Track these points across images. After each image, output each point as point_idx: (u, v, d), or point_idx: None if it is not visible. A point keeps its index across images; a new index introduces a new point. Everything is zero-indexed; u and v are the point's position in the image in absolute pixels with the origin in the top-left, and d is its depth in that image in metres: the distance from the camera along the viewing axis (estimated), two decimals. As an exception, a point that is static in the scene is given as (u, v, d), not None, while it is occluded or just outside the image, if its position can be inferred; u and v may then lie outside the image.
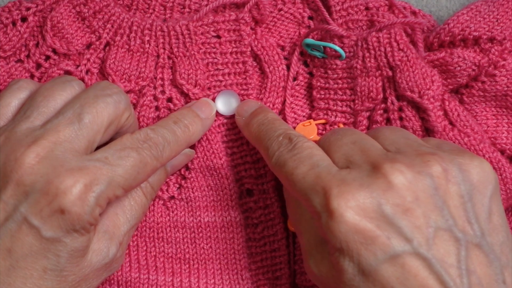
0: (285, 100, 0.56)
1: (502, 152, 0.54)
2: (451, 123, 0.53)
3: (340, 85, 0.55)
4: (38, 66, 0.54)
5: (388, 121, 0.54)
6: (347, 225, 0.41)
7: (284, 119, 0.56)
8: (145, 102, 0.54)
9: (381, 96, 0.54)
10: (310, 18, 0.57)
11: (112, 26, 0.54)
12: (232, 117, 0.55)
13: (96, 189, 0.44)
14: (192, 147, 0.54)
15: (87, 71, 0.54)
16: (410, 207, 0.41)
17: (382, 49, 0.53)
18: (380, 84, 0.54)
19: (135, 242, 0.54)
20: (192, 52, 0.54)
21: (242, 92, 0.55)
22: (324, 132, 0.56)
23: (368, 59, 0.53)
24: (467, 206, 0.42)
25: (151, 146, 0.47)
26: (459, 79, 0.53)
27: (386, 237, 0.40)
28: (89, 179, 0.44)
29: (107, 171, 0.44)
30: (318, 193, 0.42)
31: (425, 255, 0.40)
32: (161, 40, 0.54)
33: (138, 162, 0.46)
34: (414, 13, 0.57)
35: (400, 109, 0.54)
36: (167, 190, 0.54)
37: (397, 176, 0.42)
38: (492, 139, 0.54)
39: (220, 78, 0.55)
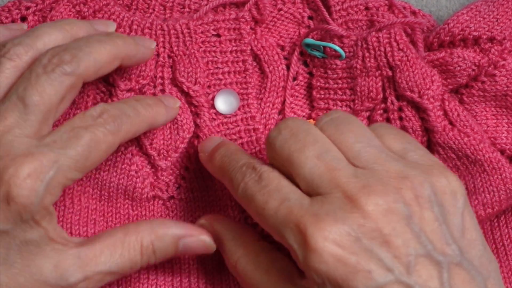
0: (285, 100, 0.56)
1: (502, 152, 0.54)
2: (451, 123, 0.53)
3: (340, 85, 0.55)
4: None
5: (388, 121, 0.54)
6: (327, 261, 0.40)
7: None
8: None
9: (381, 96, 0.54)
10: (310, 18, 0.57)
11: (112, 25, 0.54)
12: (231, 116, 0.55)
13: (43, 176, 0.42)
14: (192, 148, 0.54)
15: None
16: (388, 239, 0.41)
17: (382, 49, 0.53)
18: (380, 84, 0.54)
19: (135, 242, 0.54)
20: (192, 51, 0.54)
21: (242, 91, 0.55)
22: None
23: (368, 59, 0.53)
24: (442, 228, 0.42)
25: (106, 121, 0.45)
26: (459, 79, 0.53)
27: (368, 270, 0.40)
28: (35, 167, 0.42)
29: (55, 155, 0.43)
30: (292, 230, 0.41)
31: (408, 282, 0.40)
32: (161, 39, 0.54)
33: (89, 140, 0.44)
34: (414, 13, 0.57)
35: (400, 109, 0.54)
36: (166, 190, 0.54)
37: (372, 209, 0.41)
38: (492, 139, 0.54)
39: (220, 76, 0.55)
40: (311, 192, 0.43)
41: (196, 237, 0.50)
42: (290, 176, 0.44)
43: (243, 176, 0.45)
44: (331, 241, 0.40)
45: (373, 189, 0.42)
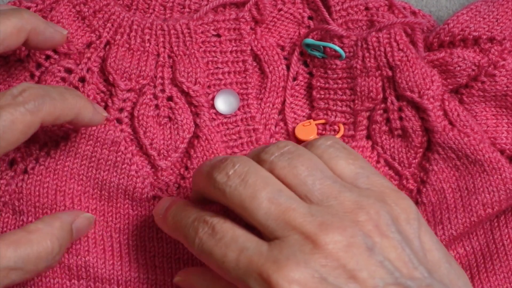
0: (284, 100, 0.56)
1: (502, 152, 0.54)
2: (451, 123, 0.53)
3: (340, 85, 0.55)
4: (38, 65, 0.54)
5: (388, 121, 0.54)
6: None
7: (284, 119, 0.56)
8: (144, 101, 0.54)
9: (381, 96, 0.54)
10: (310, 18, 0.57)
11: (112, 25, 0.54)
12: (231, 116, 0.55)
13: None
14: (192, 148, 0.54)
15: (88, 70, 0.54)
16: (353, 274, 0.40)
17: (382, 49, 0.53)
18: (380, 84, 0.54)
19: (135, 242, 0.54)
20: (192, 51, 0.54)
21: (242, 91, 0.55)
22: (324, 132, 0.55)
23: (368, 59, 0.53)
24: (406, 253, 0.42)
25: (25, 99, 0.44)
26: (459, 79, 0.54)
27: None
28: None
29: None
30: (256, 279, 0.40)
31: None
32: (161, 39, 0.54)
33: (3, 120, 0.42)
34: (414, 13, 0.57)
35: (400, 109, 0.54)
36: (166, 190, 0.54)
37: (332, 246, 0.40)
38: (492, 139, 0.54)
39: (220, 76, 0.55)
40: (269, 236, 0.42)
41: (82, 217, 0.51)
42: (244, 219, 0.44)
43: (196, 231, 0.44)
44: (297, 286, 0.39)
45: (330, 226, 0.41)
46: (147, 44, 0.54)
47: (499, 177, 0.53)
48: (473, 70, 0.53)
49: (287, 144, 0.45)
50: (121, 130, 0.54)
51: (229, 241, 0.42)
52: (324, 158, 0.45)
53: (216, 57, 0.55)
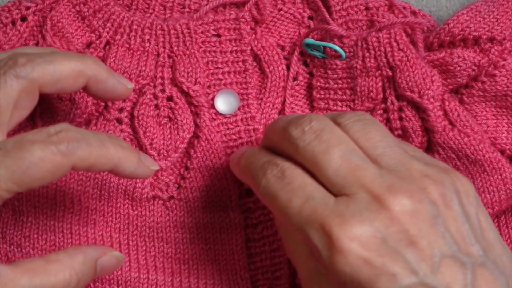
0: (285, 100, 0.56)
1: (502, 152, 0.54)
2: (451, 123, 0.53)
3: (340, 85, 0.55)
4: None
5: (388, 121, 0.54)
6: (352, 263, 0.39)
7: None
8: (144, 101, 0.54)
9: (381, 96, 0.54)
10: (310, 18, 0.57)
11: (112, 25, 0.54)
12: (231, 116, 0.55)
13: None
14: (192, 148, 0.54)
15: (87, 70, 0.54)
16: (414, 240, 0.40)
17: (382, 49, 0.53)
18: (380, 84, 0.54)
19: (135, 242, 0.54)
20: (192, 51, 0.54)
21: (242, 91, 0.55)
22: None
23: (368, 59, 0.53)
24: (465, 228, 0.42)
25: (60, 140, 0.43)
26: (459, 79, 0.53)
27: (392, 273, 0.39)
28: None
29: None
30: (317, 230, 0.41)
31: (431, 284, 0.39)
32: (161, 39, 0.54)
33: (31, 154, 0.42)
34: (414, 13, 0.57)
35: (400, 109, 0.54)
36: (166, 190, 0.54)
37: (399, 209, 0.41)
38: (492, 139, 0.54)
39: (220, 76, 0.55)
40: (336, 192, 0.42)
41: (110, 255, 0.49)
42: (313, 174, 0.44)
43: (264, 172, 0.44)
44: (357, 243, 0.39)
45: (399, 189, 0.41)
46: (147, 44, 0.54)
47: (499, 177, 0.53)
48: (473, 70, 0.53)
49: (363, 113, 0.46)
50: (121, 130, 0.54)
51: (296, 187, 0.42)
52: None
53: (216, 57, 0.55)
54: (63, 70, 0.45)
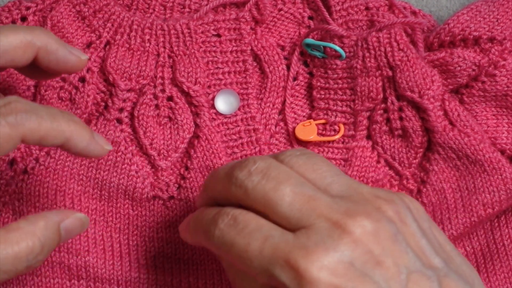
0: (285, 100, 0.56)
1: (502, 152, 0.54)
2: (451, 123, 0.53)
3: (340, 85, 0.55)
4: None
5: (388, 121, 0.54)
6: None
7: (284, 119, 0.56)
8: (145, 101, 0.54)
9: (381, 96, 0.54)
10: (310, 18, 0.57)
11: (112, 25, 0.54)
12: (231, 116, 0.55)
13: None
14: (192, 148, 0.54)
15: (88, 70, 0.54)
16: (379, 259, 0.40)
17: (382, 49, 0.53)
18: (380, 84, 0.54)
19: (135, 242, 0.54)
20: (192, 51, 0.54)
21: (242, 91, 0.55)
22: (324, 132, 0.55)
23: (368, 59, 0.53)
24: (424, 243, 0.42)
25: (8, 111, 0.41)
26: (459, 79, 0.53)
27: None
28: None
29: None
30: (283, 267, 0.40)
31: None
32: (162, 39, 0.54)
33: None
34: (414, 13, 0.57)
35: (400, 109, 0.54)
36: (166, 190, 0.54)
37: (361, 231, 0.40)
38: (492, 139, 0.54)
39: (220, 76, 0.55)
40: (293, 227, 0.42)
41: (73, 217, 0.46)
42: (266, 215, 0.43)
43: (215, 223, 0.43)
44: (326, 271, 0.39)
45: (356, 212, 0.41)
46: (147, 44, 0.54)
47: (500, 177, 0.53)
48: (474, 70, 0.53)
49: (302, 148, 0.46)
50: (121, 130, 0.54)
51: (252, 229, 0.42)
52: None
53: (216, 57, 0.55)
54: (11, 41, 0.44)
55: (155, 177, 0.54)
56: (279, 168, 0.43)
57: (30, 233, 0.44)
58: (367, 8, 0.56)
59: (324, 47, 0.55)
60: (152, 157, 0.54)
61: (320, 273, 0.39)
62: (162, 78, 0.54)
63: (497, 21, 0.53)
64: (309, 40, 0.55)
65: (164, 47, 0.54)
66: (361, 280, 0.39)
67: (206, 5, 0.56)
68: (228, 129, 0.55)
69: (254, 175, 0.43)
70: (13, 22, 0.54)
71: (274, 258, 0.40)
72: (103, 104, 0.54)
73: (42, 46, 0.46)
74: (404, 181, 0.54)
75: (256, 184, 0.43)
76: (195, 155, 0.54)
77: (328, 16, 0.55)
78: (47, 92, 0.53)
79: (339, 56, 0.55)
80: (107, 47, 0.54)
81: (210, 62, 0.55)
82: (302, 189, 0.42)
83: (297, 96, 0.57)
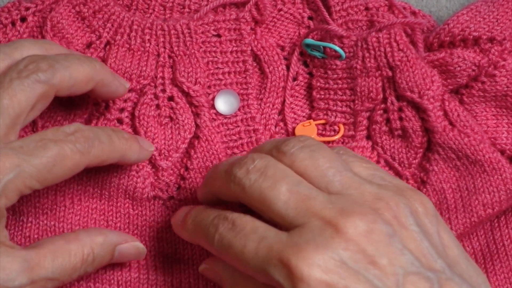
0: (284, 100, 0.56)
1: (502, 152, 0.54)
2: (451, 123, 0.53)
3: (340, 85, 0.55)
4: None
5: (388, 121, 0.54)
6: (315, 287, 0.39)
7: (284, 119, 0.56)
8: (145, 101, 0.54)
9: (381, 96, 0.54)
10: (310, 18, 0.57)
11: (112, 26, 0.54)
12: (231, 117, 0.55)
13: (2, 177, 0.42)
14: (192, 148, 0.54)
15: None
16: (373, 259, 0.40)
17: (382, 49, 0.53)
18: (380, 84, 0.54)
19: (135, 242, 0.54)
20: (192, 51, 0.54)
21: (242, 91, 0.55)
22: (324, 132, 0.56)
23: (368, 59, 0.53)
24: (425, 246, 0.42)
25: (77, 139, 0.45)
26: (459, 79, 0.54)
27: None
28: None
29: (19, 160, 0.43)
30: (276, 266, 0.40)
31: None
32: (162, 39, 0.54)
33: (55, 154, 0.44)
34: (414, 13, 0.57)
35: (400, 109, 0.54)
36: (167, 191, 0.54)
37: (353, 231, 0.40)
38: (492, 139, 0.54)
39: (220, 77, 0.55)
40: (288, 226, 0.42)
41: (131, 244, 0.51)
42: (262, 216, 0.44)
43: (216, 227, 0.44)
44: (317, 268, 0.39)
45: (350, 212, 0.41)
46: (147, 44, 0.54)
47: (499, 177, 0.53)
48: (473, 70, 0.53)
49: (307, 138, 0.46)
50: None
51: (249, 232, 0.42)
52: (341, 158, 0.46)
53: (216, 57, 0.55)
54: (78, 76, 0.47)
55: (156, 177, 0.54)
56: (277, 166, 0.44)
57: (87, 245, 0.48)
58: (367, 9, 0.56)
59: (324, 47, 0.55)
60: (153, 157, 0.54)
61: (311, 270, 0.39)
62: (163, 78, 0.54)
63: (497, 21, 0.53)
64: (309, 41, 0.55)
65: (164, 47, 0.54)
66: (353, 278, 0.39)
67: (206, 5, 0.56)
68: (228, 129, 0.55)
69: (252, 173, 0.44)
70: (13, 22, 0.54)
71: (268, 257, 0.41)
72: (104, 104, 0.54)
73: (99, 80, 0.49)
74: (404, 181, 0.54)
75: (254, 182, 0.43)
76: (195, 156, 0.54)
77: (328, 17, 0.55)
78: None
79: (339, 57, 0.55)
80: (107, 47, 0.54)
81: (210, 63, 0.55)
82: (298, 188, 0.42)
83: (297, 97, 0.57)
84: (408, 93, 0.53)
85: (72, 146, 0.45)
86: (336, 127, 0.55)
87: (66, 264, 0.46)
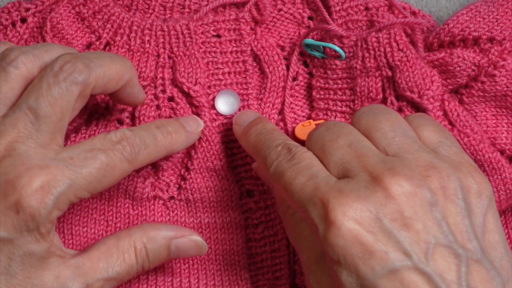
0: (284, 100, 0.56)
1: (502, 152, 0.54)
2: (450, 123, 0.53)
3: (340, 85, 0.55)
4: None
5: (388, 121, 0.54)
6: (345, 237, 0.40)
7: (284, 119, 0.56)
8: (145, 101, 0.54)
9: (380, 96, 0.54)
10: (310, 18, 0.57)
11: (112, 26, 0.54)
12: (232, 117, 0.55)
13: (55, 190, 0.43)
14: (193, 147, 0.54)
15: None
16: (409, 222, 0.40)
17: (382, 49, 0.53)
18: (379, 84, 0.54)
19: (135, 243, 0.54)
20: (192, 51, 0.54)
21: (242, 91, 0.55)
22: (324, 132, 0.56)
23: (367, 59, 0.53)
24: (465, 223, 0.42)
25: (125, 147, 0.46)
26: (458, 79, 0.54)
27: (384, 251, 0.39)
28: (48, 179, 0.42)
29: (70, 172, 0.43)
30: (316, 205, 0.41)
31: (425, 270, 0.39)
32: (161, 40, 0.54)
33: (105, 165, 0.45)
34: (413, 13, 0.57)
35: (400, 109, 0.54)
36: (167, 191, 0.54)
37: (396, 189, 0.41)
38: (492, 139, 0.54)
39: (220, 77, 0.55)
40: (340, 177, 0.43)
41: (188, 238, 0.50)
42: (321, 161, 0.45)
43: (277, 155, 0.46)
44: (351, 217, 0.40)
45: (399, 172, 0.41)
46: (147, 45, 0.54)
47: (499, 177, 0.53)
48: (473, 70, 0.53)
49: (378, 105, 0.48)
50: (122, 131, 0.54)
51: (303, 166, 0.44)
52: (413, 124, 0.47)
53: (216, 57, 0.55)
54: (111, 73, 0.47)
55: (156, 177, 0.54)
56: (343, 125, 0.46)
57: (138, 240, 0.49)
58: (366, 9, 0.56)
59: (324, 47, 0.55)
60: (153, 157, 0.54)
61: (345, 217, 0.40)
62: (163, 78, 0.54)
63: (496, 21, 0.53)
64: (309, 41, 0.55)
65: (164, 48, 0.54)
66: (383, 236, 0.40)
67: (206, 5, 0.56)
68: (228, 129, 0.55)
69: (320, 129, 0.46)
70: (13, 23, 0.54)
71: (312, 195, 0.42)
72: (104, 104, 0.54)
73: (129, 79, 0.49)
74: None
75: (319, 135, 0.46)
76: (195, 156, 0.54)
77: (327, 16, 0.55)
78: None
79: (338, 56, 0.55)
80: (107, 48, 0.54)
81: (210, 63, 0.55)
82: (356, 145, 0.44)
83: (297, 96, 0.57)
84: (408, 93, 0.53)
85: (120, 156, 0.46)
86: (328, 120, 0.55)
87: (120, 262, 0.47)
